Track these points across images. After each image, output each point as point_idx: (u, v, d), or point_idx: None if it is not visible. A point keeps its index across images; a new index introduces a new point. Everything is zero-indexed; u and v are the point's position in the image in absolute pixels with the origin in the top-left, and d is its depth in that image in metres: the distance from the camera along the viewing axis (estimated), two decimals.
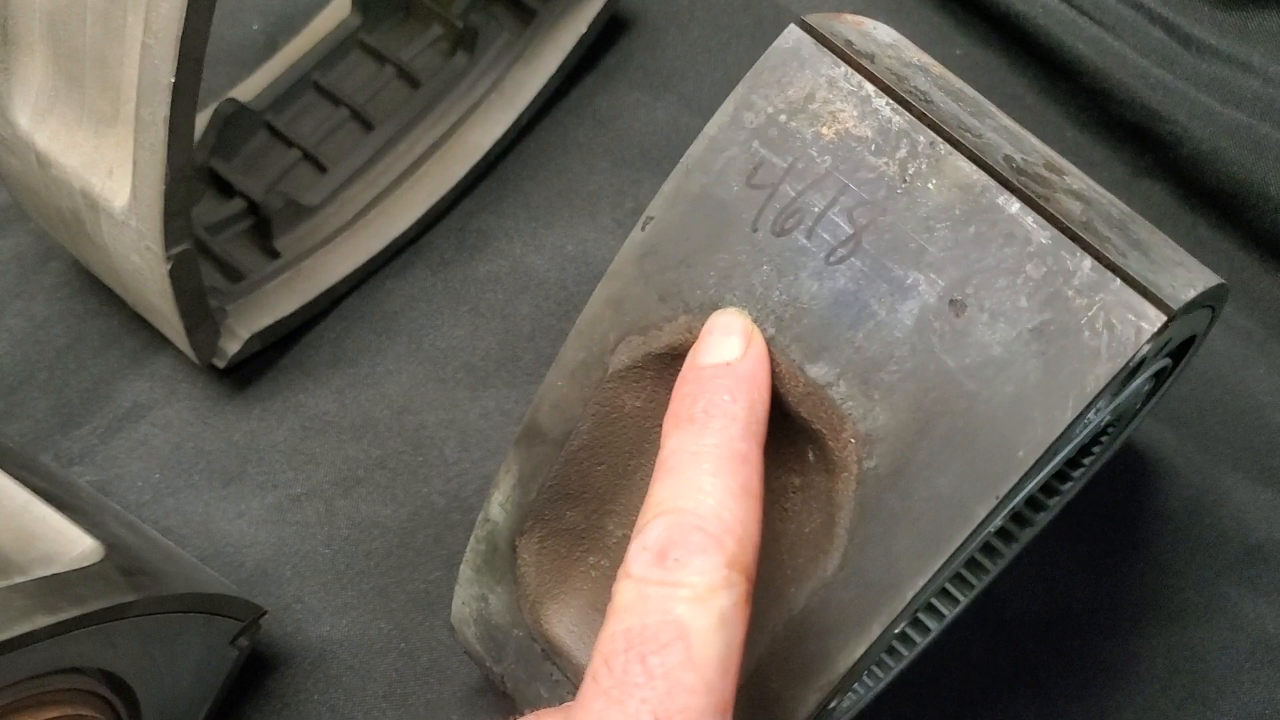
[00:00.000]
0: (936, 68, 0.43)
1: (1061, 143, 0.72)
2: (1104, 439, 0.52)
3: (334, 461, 0.65)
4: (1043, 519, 0.57)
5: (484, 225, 0.72)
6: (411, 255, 0.71)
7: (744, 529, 0.36)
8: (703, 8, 0.78)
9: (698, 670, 0.33)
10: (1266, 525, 0.63)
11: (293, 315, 0.66)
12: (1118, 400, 0.43)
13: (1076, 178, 0.41)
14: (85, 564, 0.47)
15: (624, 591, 0.35)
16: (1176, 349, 0.49)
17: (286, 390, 0.66)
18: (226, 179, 0.67)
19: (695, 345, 0.40)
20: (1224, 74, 0.67)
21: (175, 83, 0.49)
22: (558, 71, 0.72)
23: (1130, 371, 0.40)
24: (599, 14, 0.72)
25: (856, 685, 0.53)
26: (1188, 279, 0.38)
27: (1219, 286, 0.42)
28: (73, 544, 0.48)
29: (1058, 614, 0.62)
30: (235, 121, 0.67)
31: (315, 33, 0.72)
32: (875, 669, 0.55)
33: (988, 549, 0.57)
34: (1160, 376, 0.50)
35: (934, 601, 0.57)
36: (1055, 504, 0.57)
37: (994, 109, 0.43)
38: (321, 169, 0.69)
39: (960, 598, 0.57)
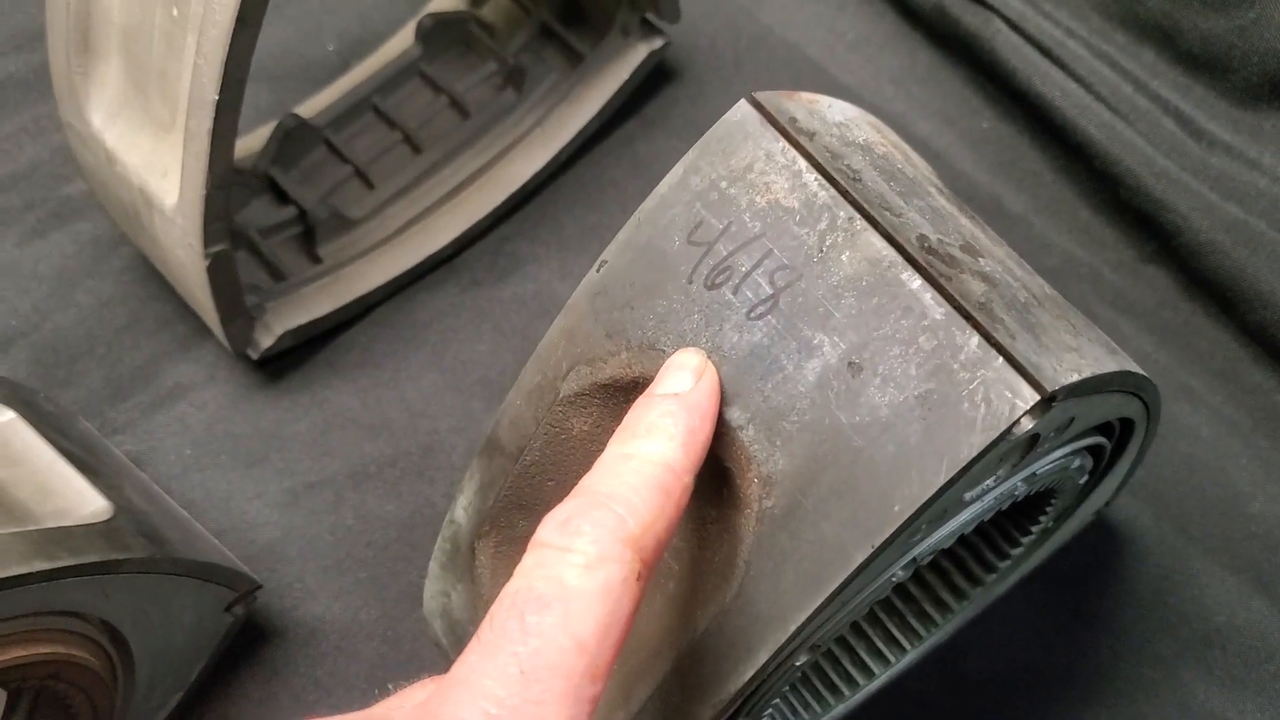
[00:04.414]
0: (885, 148, 0.46)
1: (1075, 222, 0.74)
2: (1049, 507, 0.55)
3: (349, 455, 0.70)
4: (994, 580, 0.59)
5: (516, 250, 0.77)
6: (445, 272, 0.76)
7: (650, 517, 0.38)
8: (748, 64, 0.82)
9: (573, 633, 0.35)
10: (1228, 611, 0.64)
11: (327, 317, 0.71)
12: (1030, 471, 0.46)
13: (995, 261, 0.43)
14: (93, 521, 0.52)
15: (526, 557, 0.37)
16: (1116, 430, 0.51)
17: (315, 386, 0.72)
18: (283, 187, 0.73)
19: (654, 380, 0.43)
20: (1230, 169, 0.68)
21: (219, 100, 0.54)
22: (599, 114, 0.77)
23: (1026, 444, 0.43)
24: (643, 63, 0.77)
25: (778, 714, 0.56)
26: (1075, 364, 0.40)
27: (1127, 374, 0.44)
28: (86, 502, 0.54)
29: (1013, 673, 0.64)
30: (296, 135, 0.73)
31: (380, 59, 0.77)
32: (813, 703, 0.58)
33: (936, 602, 0.59)
34: (1098, 455, 0.52)
35: (881, 647, 0.60)
36: (1007, 567, 0.59)
37: (933, 191, 0.46)
38: (370, 185, 0.74)
39: (908, 647, 0.60)
